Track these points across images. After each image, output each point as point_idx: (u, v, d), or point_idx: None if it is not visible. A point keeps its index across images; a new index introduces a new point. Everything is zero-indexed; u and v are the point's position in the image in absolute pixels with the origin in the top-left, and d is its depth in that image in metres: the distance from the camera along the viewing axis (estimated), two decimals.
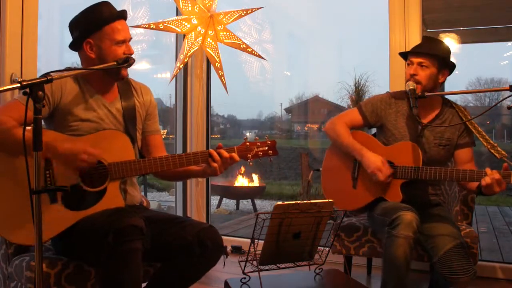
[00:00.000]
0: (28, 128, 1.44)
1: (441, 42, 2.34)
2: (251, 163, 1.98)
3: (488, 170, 1.99)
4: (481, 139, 2.23)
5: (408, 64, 2.30)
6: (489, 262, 3.04)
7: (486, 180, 1.98)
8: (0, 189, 1.74)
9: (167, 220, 1.88)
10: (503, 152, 2.17)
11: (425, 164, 2.21)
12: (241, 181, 7.91)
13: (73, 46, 1.91)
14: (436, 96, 2.28)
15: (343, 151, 2.40)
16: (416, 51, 2.29)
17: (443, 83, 2.34)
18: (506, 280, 2.90)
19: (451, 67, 2.31)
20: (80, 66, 1.94)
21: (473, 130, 2.26)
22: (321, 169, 2.53)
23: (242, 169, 7.78)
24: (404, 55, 2.39)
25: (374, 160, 2.24)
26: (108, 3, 1.88)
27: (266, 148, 1.97)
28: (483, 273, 2.92)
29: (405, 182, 2.24)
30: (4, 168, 1.74)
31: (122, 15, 1.89)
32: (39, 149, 1.39)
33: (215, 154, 1.87)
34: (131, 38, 1.91)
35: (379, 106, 2.39)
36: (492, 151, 2.18)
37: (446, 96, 2.39)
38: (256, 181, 8.10)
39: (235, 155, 1.91)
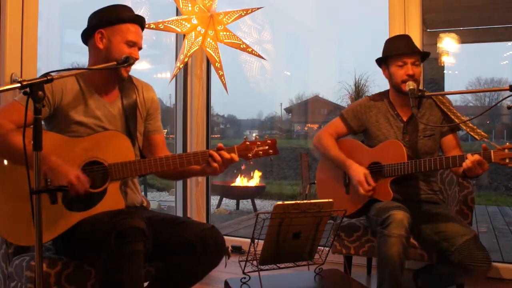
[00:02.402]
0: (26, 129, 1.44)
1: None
2: (251, 162, 1.98)
3: (469, 155, 2.01)
4: (460, 124, 2.25)
5: (400, 65, 2.27)
6: None
7: (467, 163, 1.99)
8: (0, 191, 1.74)
9: (168, 220, 1.88)
10: (482, 133, 2.19)
11: (416, 158, 2.23)
12: (241, 181, 7.90)
13: (85, 34, 1.92)
14: (433, 95, 2.30)
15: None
16: (409, 52, 2.27)
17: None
18: (506, 280, 2.90)
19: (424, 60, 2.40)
20: (80, 66, 1.95)
21: (452, 116, 2.27)
22: (315, 181, 2.60)
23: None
24: (384, 58, 2.35)
25: (356, 173, 2.29)
26: (130, 8, 1.93)
27: (267, 147, 1.96)
28: None
29: (395, 180, 2.26)
30: (4, 171, 1.74)
31: (140, 21, 1.93)
32: (39, 149, 1.39)
33: (215, 154, 1.87)
34: (141, 47, 1.94)
35: (360, 111, 2.44)
36: (472, 133, 2.20)
37: (446, 96, 2.40)
38: (256, 181, 8.09)
39: (234, 155, 1.90)
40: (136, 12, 1.94)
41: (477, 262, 1.97)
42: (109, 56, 1.85)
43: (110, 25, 1.86)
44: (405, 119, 2.35)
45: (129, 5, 1.95)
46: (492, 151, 1.98)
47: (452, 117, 2.27)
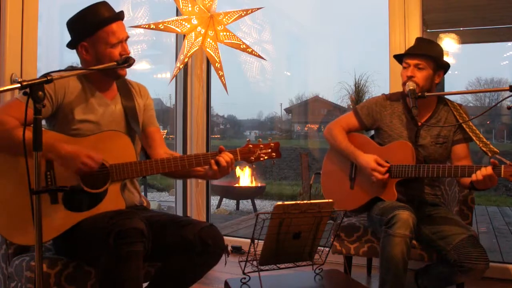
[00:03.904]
0: (28, 127, 1.44)
1: (435, 43, 2.36)
2: (253, 165, 1.97)
3: (482, 166, 2.00)
4: (474, 138, 2.24)
5: (404, 67, 2.31)
6: None
7: (477, 176, 1.99)
8: (1, 189, 1.73)
9: (168, 220, 1.88)
10: (495, 149, 2.17)
11: (425, 163, 2.22)
12: (241, 181, 7.90)
13: (70, 46, 1.91)
14: (431, 96, 2.29)
15: (341, 154, 2.44)
16: (412, 53, 2.29)
17: (438, 83, 2.35)
18: (506, 280, 2.90)
19: (446, 67, 2.33)
20: (80, 66, 1.94)
21: (467, 129, 2.26)
22: (321, 172, 2.58)
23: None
24: (399, 57, 2.39)
25: (367, 161, 2.27)
26: (104, 3, 1.87)
27: (269, 150, 1.95)
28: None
29: (401, 181, 2.25)
30: (6, 168, 1.74)
31: (118, 17, 1.88)
32: (39, 150, 1.39)
33: (222, 160, 1.86)
34: (127, 37, 1.90)
35: (374, 109, 2.42)
36: (484, 149, 2.19)
37: (446, 96, 2.40)
38: (256, 181, 8.10)
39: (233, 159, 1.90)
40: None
41: (473, 260, 1.97)
42: (100, 63, 1.82)
43: (90, 35, 1.83)
44: (419, 123, 2.31)
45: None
46: (502, 166, 1.97)
47: (467, 129, 2.25)
